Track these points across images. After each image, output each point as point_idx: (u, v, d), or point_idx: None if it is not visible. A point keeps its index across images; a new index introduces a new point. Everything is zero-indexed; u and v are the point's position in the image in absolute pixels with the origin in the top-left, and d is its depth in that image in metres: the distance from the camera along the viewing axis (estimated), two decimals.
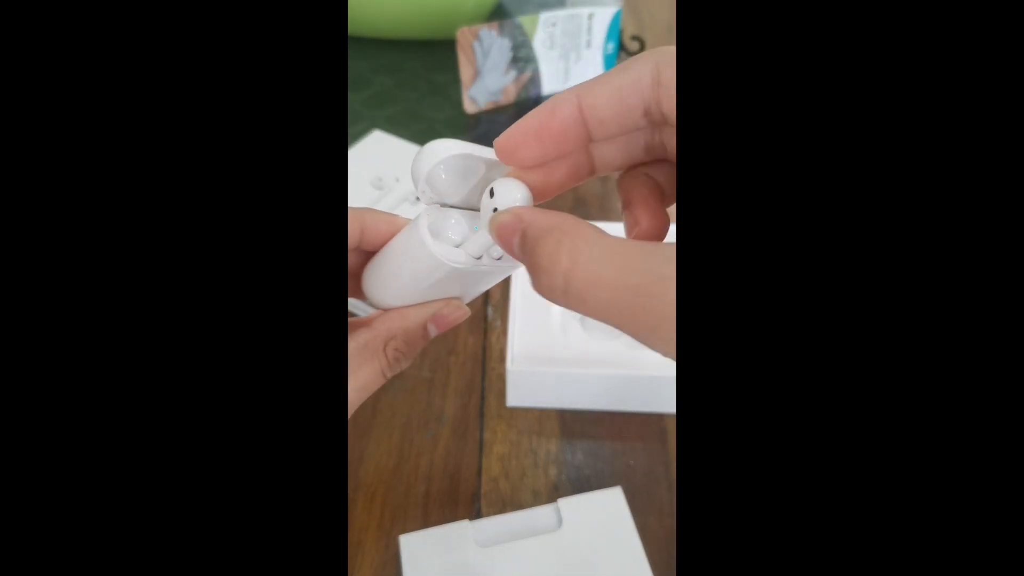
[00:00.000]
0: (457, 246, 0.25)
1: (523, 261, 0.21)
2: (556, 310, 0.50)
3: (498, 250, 0.25)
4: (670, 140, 0.22)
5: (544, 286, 0.19)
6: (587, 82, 0.21)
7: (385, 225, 0.27)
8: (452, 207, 0.25)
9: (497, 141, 0.22)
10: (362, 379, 0.25)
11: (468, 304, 0.28)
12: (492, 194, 0.22)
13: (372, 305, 0.28)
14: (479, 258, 0.25)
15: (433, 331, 0.27)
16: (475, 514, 0.42)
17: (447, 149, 0.23)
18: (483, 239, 0.24)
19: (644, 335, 0.18)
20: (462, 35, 0.69)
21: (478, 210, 0.26)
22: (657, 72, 0.20)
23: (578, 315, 0.50)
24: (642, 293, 0.18)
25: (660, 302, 0.17)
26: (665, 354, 0.19)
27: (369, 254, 0.27)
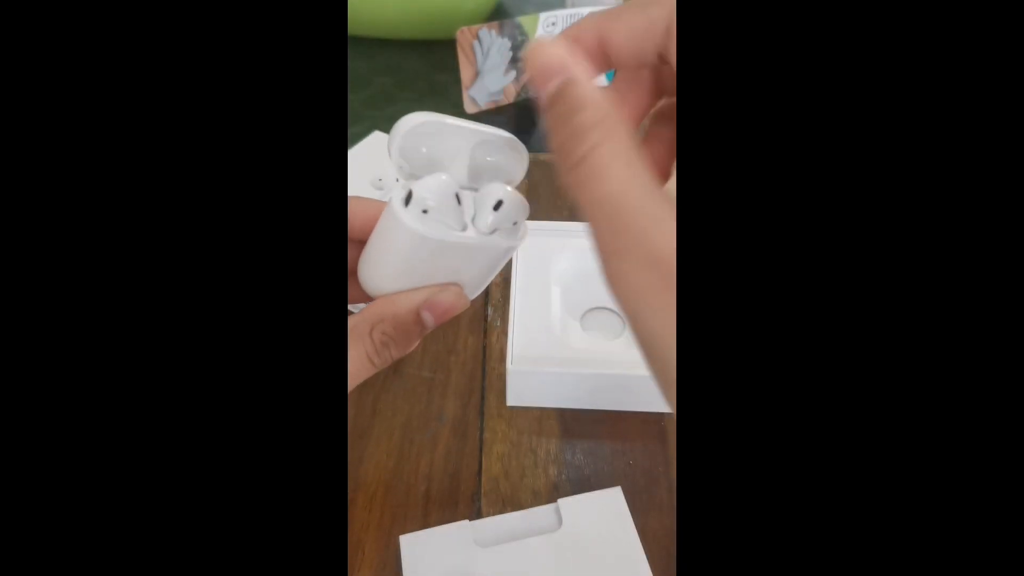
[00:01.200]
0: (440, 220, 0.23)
1: (545, 107, 0.21)
2: (556, 310, 0.50)
3: (488, 224, 0.24)
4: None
5: (562, 152, 0.20)
6: (610, 13, 0.21)
7: (373, 210, 0.26)
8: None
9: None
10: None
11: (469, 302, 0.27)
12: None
13: (370, 295, 0.27)
14: (463, 231, 0.23)
15: (429, 320, 0.25)
16: (475, 514, 0.42)
17: (419, 117, 0.22)
18: (456, 211, 0.23)
19: (607, 253, 0.19)
20: (462, 35, 0.69)
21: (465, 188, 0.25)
22: (671, 20, 0.20)
23: (578, 315, 0.50)
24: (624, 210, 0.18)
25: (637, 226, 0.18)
26: (611, 289, 0.19)
27: (361, 244, 0.27)
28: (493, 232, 0.24)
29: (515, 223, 0.24)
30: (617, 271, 0.19)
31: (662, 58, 0.21)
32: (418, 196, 0.23)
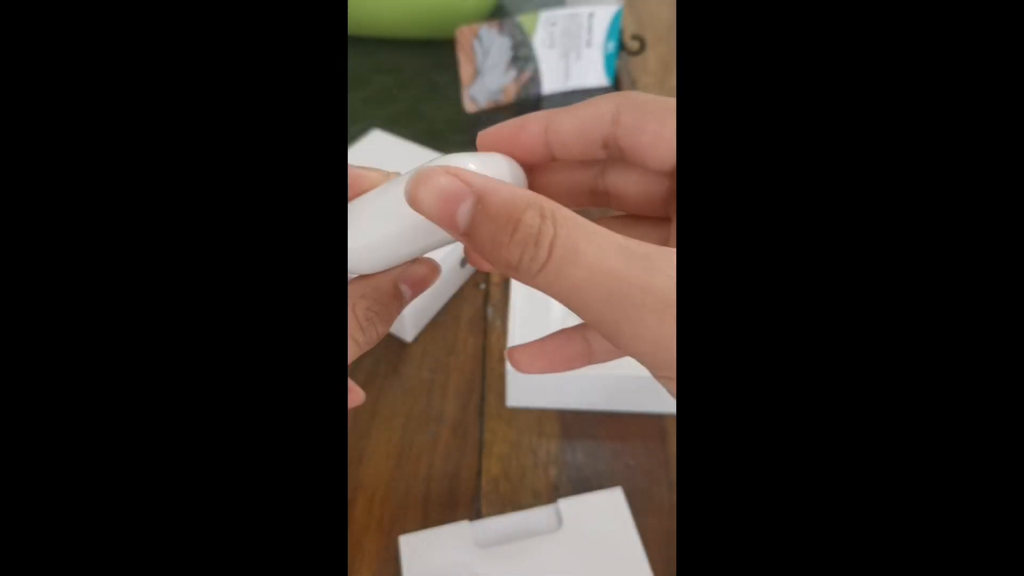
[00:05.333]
0: None
1: (467, 234, 0.19)
2: (556, 310, 0.50)
3: None
4: (616, 182, 0.24)
5: (519, 263, 0.19)
6: (556, 110, 0.23)
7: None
8: None
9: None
10: None
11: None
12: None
13: (356, 272, 0.26)
14: None
15: (407, 292, 0.25)
16: (475, 514, 0.42)
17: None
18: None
19: (614, 324, 0.18)
20: (462, 34, 0.69)
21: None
22: (617, 112, 0.22)
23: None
24: (622, 279, 0.17)
25: (642, 294, 0.17)
26: (641, 359, 0.18)
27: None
28: None
29: None
30: (634, 336, 0.18)
31: (607, 148, 0.23)
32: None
